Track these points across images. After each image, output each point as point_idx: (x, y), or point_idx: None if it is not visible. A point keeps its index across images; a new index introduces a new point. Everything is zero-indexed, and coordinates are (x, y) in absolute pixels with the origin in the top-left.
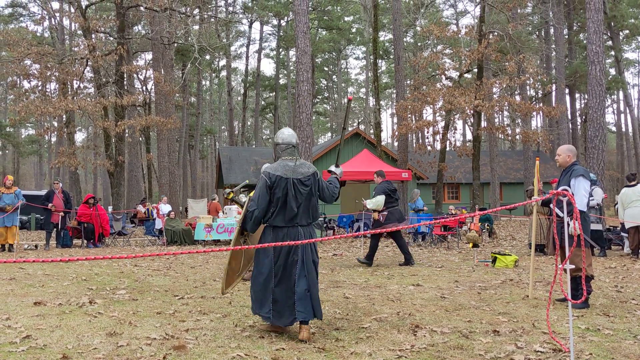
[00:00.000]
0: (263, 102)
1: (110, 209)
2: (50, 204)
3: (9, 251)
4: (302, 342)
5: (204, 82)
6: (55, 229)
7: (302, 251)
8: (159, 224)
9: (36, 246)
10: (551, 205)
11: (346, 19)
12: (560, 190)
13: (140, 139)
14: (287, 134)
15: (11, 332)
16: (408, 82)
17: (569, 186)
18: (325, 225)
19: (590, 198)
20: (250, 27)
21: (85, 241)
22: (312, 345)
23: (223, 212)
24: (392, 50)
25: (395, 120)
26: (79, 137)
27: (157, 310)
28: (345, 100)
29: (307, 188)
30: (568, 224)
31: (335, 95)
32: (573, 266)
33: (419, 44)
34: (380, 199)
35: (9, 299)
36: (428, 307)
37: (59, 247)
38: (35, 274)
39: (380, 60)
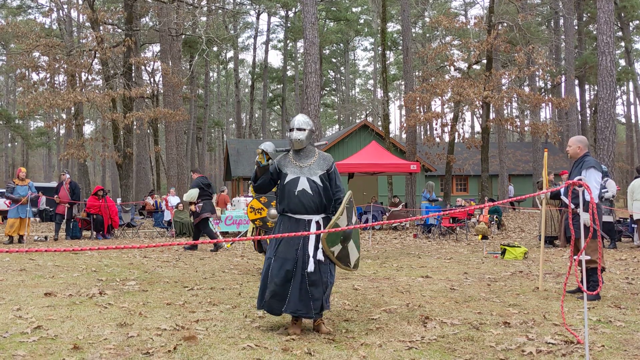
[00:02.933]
0: (270, 94)
1: (119, 200)
2: (55, 196)
3: (19, 242)
4: (311, 333)
5: (211, 74)
6: (63, 220)
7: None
8: (167, 216)
9: (46, 237)
10: (563, 197)
11: (354, 9)
12: (576, 181)
13: (149, 131)
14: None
15: (22, 323)
16: (416, 73)
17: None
18: None
19: (604, 190)
20: (257, 18)
21: (94, 233)
22: (322, 336)
23: (231, 204)
24: (401, 42)
25: (403, 112)
26: (88, 129)
27: (167, 301)
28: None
29: None
30: (578, 214)
31: (343, 87)
32: (589, 257)
33: (427, 35)
34: (194, 192)
35: (19, 289)
36: (437, 298)
37: (68, 239)
38: (46, 265)
39: (388, 52)
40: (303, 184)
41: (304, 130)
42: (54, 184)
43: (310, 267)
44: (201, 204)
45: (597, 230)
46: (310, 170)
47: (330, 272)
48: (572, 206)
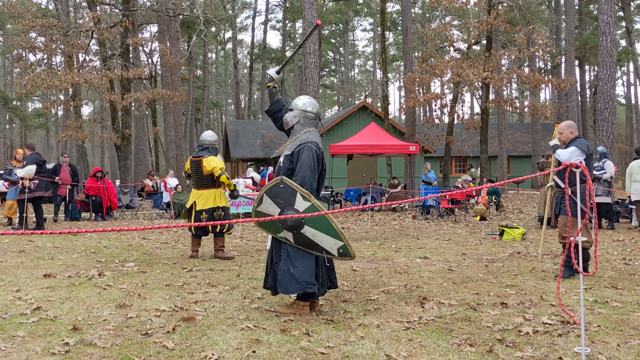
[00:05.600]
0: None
1: (117, 182)
2: (57, 177)
3: (19, 224)
4: (310, 314)
5: (209, 55)
6: (62, 202)
7: None
8: (166, 197)
9: (45, 219)
10: (555, 178)
11: None
12: (573, 162)
13: (147, 112)
14: (317, 105)
15: (22, 304)
16: (416, 54)
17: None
18: (332, 198)
19: (603, 172)
20: None
21: (93, 214)
22: (321, 317)
23: None
24: (400, 22)
25: (402, 93)
26: (86, 110)
27: (166, 282)
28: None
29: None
30: (569, 196)
31: (343, 68)
32: (585, 238)
33: (427, 15)
34: (32, 168)
35: (19, 271)
36: (435, 279)
37: (67, 221)
38: (45, 247)
39: (388, 32)
40: (279, 163)
41: (292, 110)
42: (51, 165)
43: (268, 245)
44: (37, 182)
45: (594, 209)
46: (286, 150)
47: (284, 255)
48: (563, 186)
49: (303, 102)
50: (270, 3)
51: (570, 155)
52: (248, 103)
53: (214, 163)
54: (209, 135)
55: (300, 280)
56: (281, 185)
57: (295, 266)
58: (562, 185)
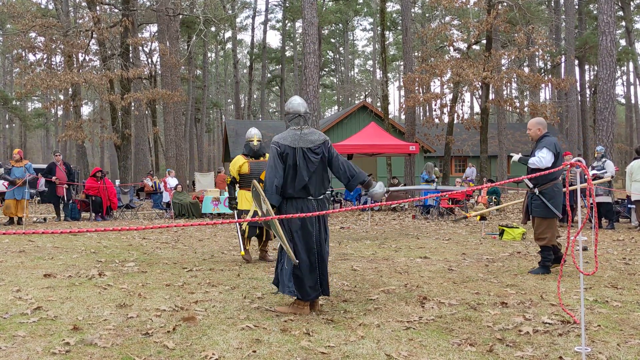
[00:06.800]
0: (269, 75)
1: (117, 182)
2: (53, 177)
3: (18, 224)
4: (310, 314)
5: (209, 55)
6: (61, 202)
7: (318, 225)
8: (166, 197)
9: (45, 219)
10: (525, 180)
11: None
12: (574, 162)
13: (147, 112)
14: (294, 102)
15: (22, 304)
16: (416, 54)
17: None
18: (332, 198)
19: (603, 171)
20: None
21: (93, 214)
22: (321, 317)
23: None
24: (400, 22)
25: (402, 92)
26: (86, 110)
27: (166, 282)
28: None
29: (317, 156)
30: (535, 194)
31: (342, 68)
32: (585, 238)
33: (427, 14)
34: None
35: (19, 271)
36: (436, 279)
37: (67, 220)
38: (45, 247)
39: (387, 32)
40: None
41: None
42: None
43: None
44: None
45: (552, 209)
46: None
47: (279, 256)
48: (531, 186)
49: (286, 105)
50: (270, 3)
51: (546, 161)
52: (248, 103)
53: (231, 164)
54: (247, 132)
55: (282, 281)
56: (253, 189)
57: (284, 267)
58: (531, 186)
